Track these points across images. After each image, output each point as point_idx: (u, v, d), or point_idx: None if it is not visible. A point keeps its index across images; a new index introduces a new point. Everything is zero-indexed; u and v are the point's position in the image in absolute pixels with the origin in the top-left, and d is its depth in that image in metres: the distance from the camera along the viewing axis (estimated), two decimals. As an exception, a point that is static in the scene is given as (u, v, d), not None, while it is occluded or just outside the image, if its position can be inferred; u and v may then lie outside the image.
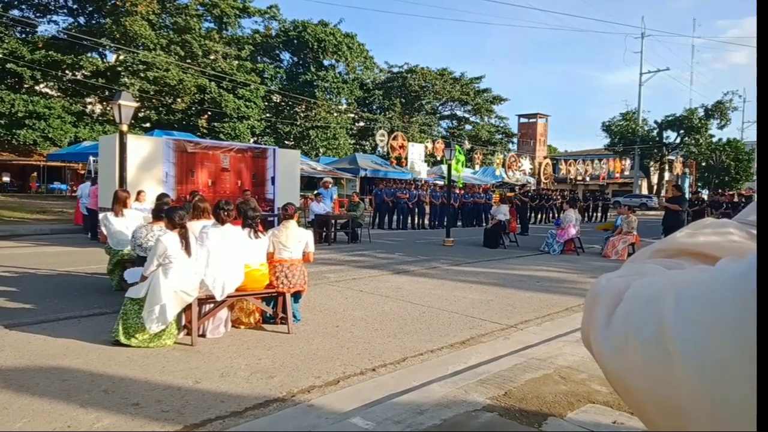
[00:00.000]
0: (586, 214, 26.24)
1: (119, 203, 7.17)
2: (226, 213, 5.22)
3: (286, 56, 39.61)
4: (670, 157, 47.02)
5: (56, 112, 26.63)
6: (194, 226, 5.40)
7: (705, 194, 26.38)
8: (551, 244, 13.11)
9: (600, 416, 3.30)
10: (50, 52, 26.88)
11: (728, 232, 0.55)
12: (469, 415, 3.25)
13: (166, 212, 5.15)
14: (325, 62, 37.73)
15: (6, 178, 31.84)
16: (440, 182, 27.01)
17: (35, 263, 8.82)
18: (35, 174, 32.91)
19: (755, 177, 0.45)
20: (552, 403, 3.50)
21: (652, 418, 0.44)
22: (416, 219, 19.70)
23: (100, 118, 30.07)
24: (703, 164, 48.09)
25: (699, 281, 0.42)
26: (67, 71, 28.67)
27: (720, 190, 27.28)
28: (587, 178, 45.37)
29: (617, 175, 46.63)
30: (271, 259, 5.49)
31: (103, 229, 7.16)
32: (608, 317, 0.49)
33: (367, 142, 40.15)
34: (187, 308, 4.86)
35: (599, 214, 28.27)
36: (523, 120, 56.80)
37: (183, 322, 4.97)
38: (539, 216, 24.47)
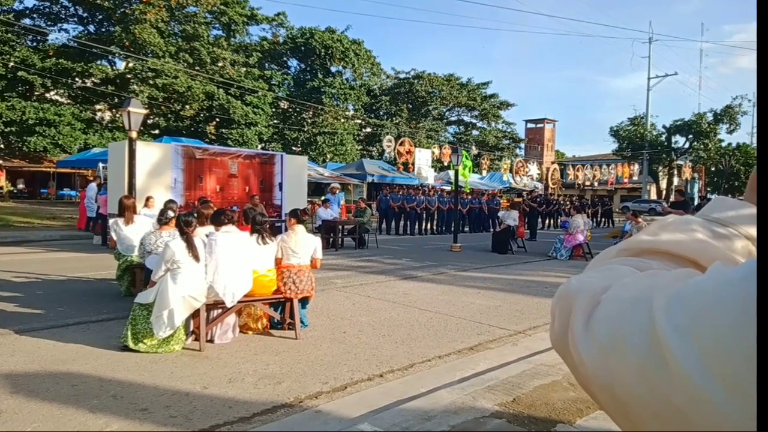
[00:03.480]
0: (594, 220, 26.10)
1: (129, 210, 7.21)
2: (226, 218, 5.27)
3: (293, 63, 39.85)
4: (679, 162, 46.74)
5: (66, 119, 26.87)
6: (200, 232, 5.43)
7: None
8: (559, 250, 13.05)
9: (609, 423, 3.25)
10: (61, 60, 27.15)
11: (692, 229, 0.53)
12: (477, 422, 3.23)
13: (177, 218, 5.20)
14: (333, 69, 37.90)
15: (20, 185, 32.17)
16: (447, 187, 26.98)
17: (45, 269, 8.88)
18: (52, 182, 33.25)
19: None
20: (561, 410, 3.47)
21: (645, 425, 0.42)
22: (423, 224, 19.69)
23: (109, 125, 30.33)
24: (713, 169, 47.79)
25: (691, 285, 0.41)
26: (77, 79, 28.94)
27: (730, 195, 27.05)
28: (595, 184, 45.13)
29: (626, 180, 46.39)
30: (279, 264, 5.50)
31: (113, 234, 7.20)
32: (586, 321, 0.47)
33: (374, 148, 40.22)
34: (195, 314, 4.88)
35: (606, 219, 28.10)
36: (530, 125, 56.64)
37: (191, 328, 4.99)
38: (546, 221, 24.38)
